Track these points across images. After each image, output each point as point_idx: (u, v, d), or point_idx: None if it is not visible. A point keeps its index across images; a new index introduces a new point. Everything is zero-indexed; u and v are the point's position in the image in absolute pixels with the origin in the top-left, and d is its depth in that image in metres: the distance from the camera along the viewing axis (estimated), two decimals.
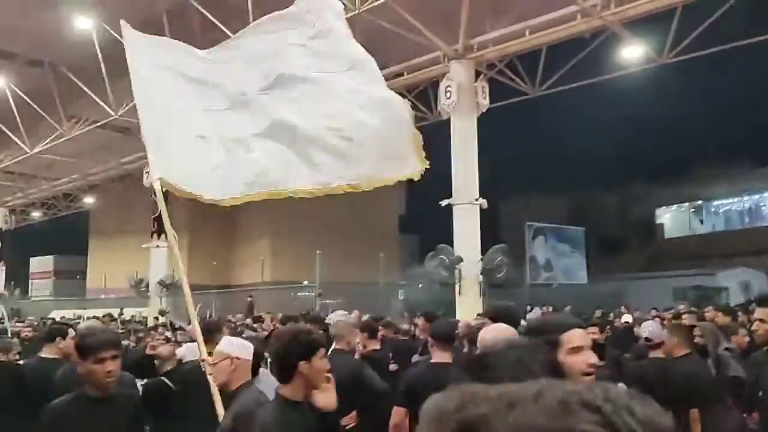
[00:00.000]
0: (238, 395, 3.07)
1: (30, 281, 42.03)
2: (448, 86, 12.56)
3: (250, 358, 3.17)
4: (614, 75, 14.29)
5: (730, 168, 33.90)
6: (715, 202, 36.77)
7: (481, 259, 12.15)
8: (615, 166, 42.92)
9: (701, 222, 37.26)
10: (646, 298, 25.94)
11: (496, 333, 2.34)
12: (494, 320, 3.74)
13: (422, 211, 35.78)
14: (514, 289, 18.94)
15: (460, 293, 12.23)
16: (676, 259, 33.97)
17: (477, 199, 12.31)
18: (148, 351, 6.30)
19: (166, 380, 5.75)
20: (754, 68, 29.69)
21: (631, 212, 38.91)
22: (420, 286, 20.42)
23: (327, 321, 7.51)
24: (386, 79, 14.60)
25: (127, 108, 16.45)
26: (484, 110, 12.77)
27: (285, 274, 25.11)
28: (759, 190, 34.76)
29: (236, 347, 3.20)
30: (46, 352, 4.62)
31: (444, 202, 12.58)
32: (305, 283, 22.66)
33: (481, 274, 12.18)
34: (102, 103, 16.59)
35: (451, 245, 12.36)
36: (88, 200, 27.69)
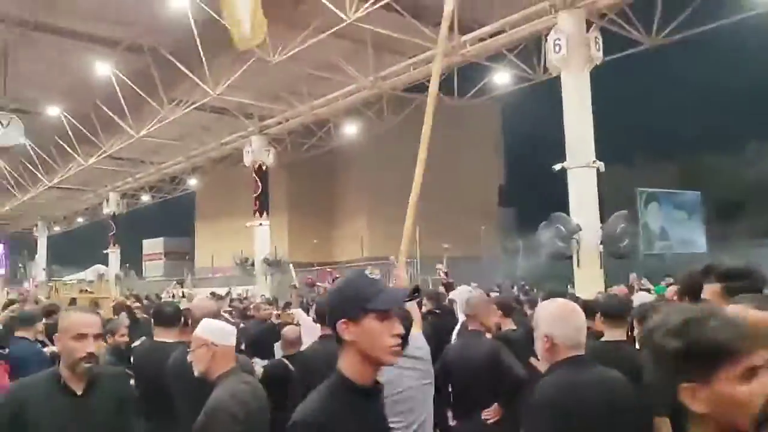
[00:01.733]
0: (217, 386, 2.75)
1: (143, 263, 44.02)
2: (557, 39, 11.55)
3: (231, 343, 2.89)
4: (737, 17, 12.82)
5: None
6: None
7: (602, 228, 11.17)
8: (730, 124, 39.84)
9: None
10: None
11: None
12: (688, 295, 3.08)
13: (523, 180, 34.70)
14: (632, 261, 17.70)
15: (578, 265, 11.32)
16: None
17: (594, 162, 11.31)
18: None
19: (288, 363, 5.37)
20: None
21: (748, 174, 35.88)
22: (521, 259, 19.45)
23: (451, 298, 6.97)
24: (483, 40, 13.80)
25: (225, 85, 16.43)
26: (598, 62, 11.69)
27: (382, 250, 24.74)
28: None
29: (214, 332, 2.85)
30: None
31: (557, 166, 11.65)
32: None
33: (602, 243, 11.22)
34: (200, 83, 16.61)
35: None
36: (192, 182, 28.46)
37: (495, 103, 30.15)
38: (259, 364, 5.39)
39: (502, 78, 16.01)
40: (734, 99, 39.49)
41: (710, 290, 2.68)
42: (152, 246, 44.73)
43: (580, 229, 11.10)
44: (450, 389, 4.19)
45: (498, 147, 32.55)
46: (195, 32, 14.81)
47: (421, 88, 17.62)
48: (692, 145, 38.08)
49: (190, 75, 16.55)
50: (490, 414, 3.95)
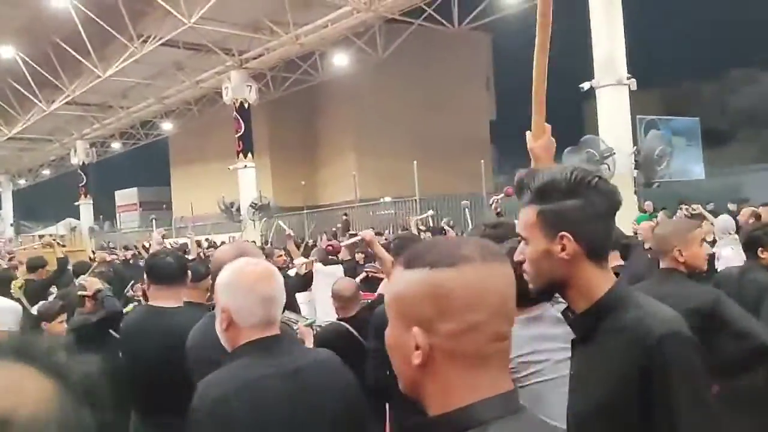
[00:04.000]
0: None
1: (117, 214, 42.39)
2: None
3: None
4: None
5: None
6: None
7: (637, 151, 10.16)
8: (714, 51, 38.95)
9: None
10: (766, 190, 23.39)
11: None
12: None
13: (519, 113, 33.42)
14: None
15: None
16: None
17: (629, 78, 10.21)
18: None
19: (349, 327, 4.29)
20: None
21: (738, 100, 35.24)
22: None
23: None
24: None
25: (201, 14, 14.84)
26: None
27: (375, 191, 23.58)
28: None
29: None
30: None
31: (585, 85, 10.53)
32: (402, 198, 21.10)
33: (636, 168, 10.23)
34: (174, 12, 14.97)
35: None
36: (166, 126, 26.74)
37: (486, 35, 28.68)
38: (301, 322, 4.23)
39: None
40: (718, 22, 38.44)
41: None
42: (126, 196, 42.93)
43: (614, 153, 10.07)
44: None
45: (489, 80, 31.22)
46: None
47: (416, 13, 16.22)
48: (676, 72, 37.19)
49: (163, 3, 14.89)
50: None
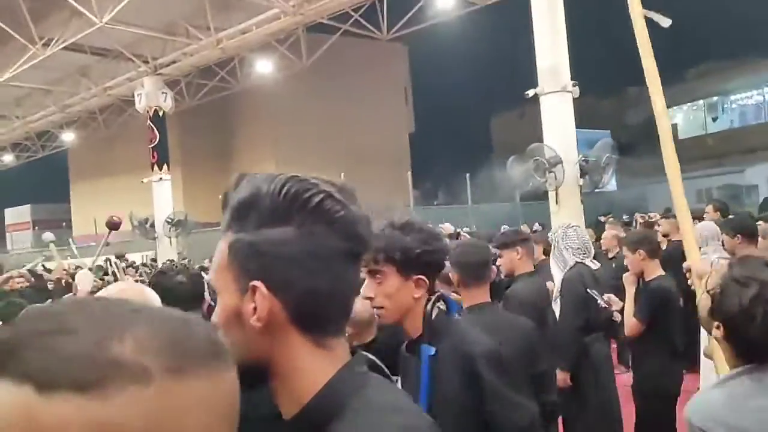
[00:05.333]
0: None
1: (7, 234, 39.33)
2: None
3: None
4: None
5: (744, 61, 31.98)
6: (732, 98, 34.94)
7: (585, 160, 10.08)
8: (613, 69, 40.90)
9: (713, 120, 35.53)
10: (668, 200, 24.64)
11: None
12: None
13: (435, 124, 33.85)
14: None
15: (557, 202, 10.20)
16: (694, 160, 32.40)
17: (574, 85, 10.14)
18: None
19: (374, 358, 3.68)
20: None
21: (642, 114, 37.11)
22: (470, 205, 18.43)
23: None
24: None
25: (114, 13, 13.71)
26: None
27: None
28: None
29: None
30: None
31: (530, 92, 10.38)
32: None
33: (582, 177, 10.16)
34: (85, 11, 13.76)
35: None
36: (67, 137, 24.77)
37: (402, 47, 28.63)
38: None
39: (444, 2, 14.28)
40: (614, 40, 40.55)
41: None
42: (17, 214, 39.71)
43: (561, 161, 9.95)
44: None
45: (407, 91, 31.22)
46: None
47: (341, 20, 15.77)
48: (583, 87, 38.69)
49: (72, 2, 13.64)
50: None
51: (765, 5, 28.52)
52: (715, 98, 35.16)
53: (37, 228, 37.69)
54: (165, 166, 17.65)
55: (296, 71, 18.98)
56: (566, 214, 9.96)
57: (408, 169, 23.37)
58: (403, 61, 30.57)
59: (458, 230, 9.87)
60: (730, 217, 6.25)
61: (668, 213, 10.55)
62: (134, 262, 14.38)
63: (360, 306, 3.69)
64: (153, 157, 17.66)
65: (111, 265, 10.57)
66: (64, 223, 33.76)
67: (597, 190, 10.70)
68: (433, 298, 1.95)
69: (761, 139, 30.64)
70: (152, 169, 17.78)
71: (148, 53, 17.39)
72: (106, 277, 9.86)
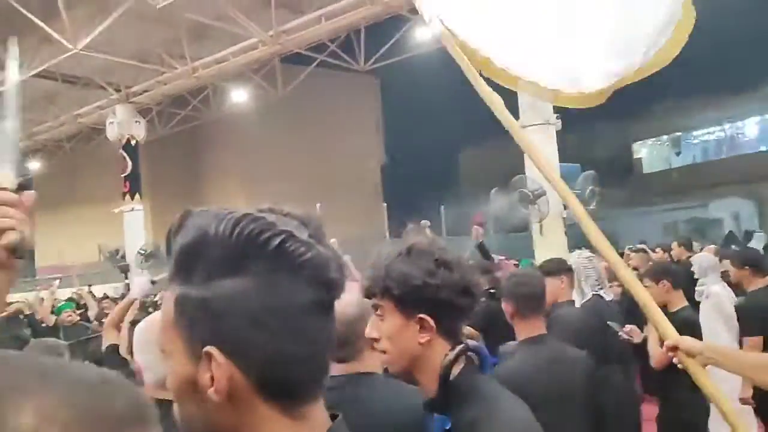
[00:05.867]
0: None
1: None
2: None
3: None
4: None
5: (706, 98, 32.99)
6: (694, 133, 35.97)
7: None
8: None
9: (677, 154, 36.48)
10: (636, 233, 25.06)
11: None
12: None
13: (406, 156, 33.91)
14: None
15: (541, 233, 10.21)
16: (659, 194, 33.11)
17: (558, 117, 10.24)
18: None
19: None
20: None
21: (608, 148, 37.91)
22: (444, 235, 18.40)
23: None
24: None
25: (90, 39, 13.46)
26: None
27: None
28: (738, 118, 34.04)
29: None
30: None
31: None
32: None
33: (566, 208, 10.17)
34: (58, 36, 13.49)
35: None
36: (32, 165, 24.08)
37: (375, 79, 28.77)
38: None
39: (426, 33, 14.33)
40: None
41: None
42: None
43: (545, 193, 9.97)
44: None
45: (378, 123, 31.37)
46: None
47: (319, 49, 15.77)
48: None
49: (44, 27, 13.36)
50: None
51: (728, 45, 29.67)
52: (678, 133, 36.12)
53: None
54: (137, 196, 17.27)
55: (271, 101, 18.87)
56: (550, 246, 9.97)
57: (381, 200, 23.34)
58: (375, 93, 30.75)
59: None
60: (734, 248, 6.28)
61: (636, 247, 10.72)
62: (106, 295, 13.92)
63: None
64: (125, 186, 17.27)
65: (83, 297, 10.23)
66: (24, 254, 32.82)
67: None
68: (456, 349, 1.48)
69: (724, 174, 31.51)
70: (123, 199, 17.37)
71: (120, 81, 17.11)
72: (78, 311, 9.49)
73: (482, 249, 6.07)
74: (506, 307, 2.65)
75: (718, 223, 28.33)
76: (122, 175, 17.16)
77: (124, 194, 17.23)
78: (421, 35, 14.26)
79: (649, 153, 37.76)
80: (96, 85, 17.20)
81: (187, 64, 15.37)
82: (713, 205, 29.62)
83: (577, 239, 11.68)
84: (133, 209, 17.14)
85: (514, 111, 10.40)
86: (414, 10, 13.44)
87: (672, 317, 3.96)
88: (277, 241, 0.73)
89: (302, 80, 17.97)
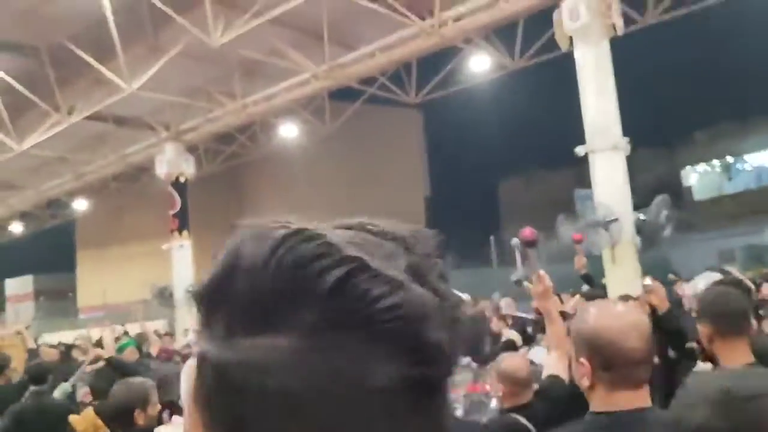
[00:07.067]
0: None
1: (8, 305, 38.55)
2: (574, 7, 10.06)
3: None
4: None
5: (758, 122, 32.26)
6: (746, 156, 35.08)
7: (642, 218, 9.71)
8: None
9: (729, 179, 35.55)
10: (692, 262, 24.21)
11: None
12: None
13: (451, 189, 33.72)
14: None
15: (613, 261, 9.77)
16: (711, 220, 32.16)
17: (628, 141, 9.88)
18: None
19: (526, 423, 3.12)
20: None
21: (652, 174, 37.17)
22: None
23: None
24: (459, 20, 12.00)
25: (144, 80, 13.55)
26: (620, 33, 10.30)
27: None
28: None
29: None
30: None
31: (580, 150, 10.10)
32: None
33: (638, 234, 9.76)
34: (113, 76, 13.61)
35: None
36: (79, 205, 24.21)
37: (416, 112, 28.74)
38: None
39: (479, 64, 14.11)
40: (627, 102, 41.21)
41: None
42: (18, 285, 38.93)
43: (617, 219, 9.58)
44: None
45: (421, 156, 31.29)
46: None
47: (369, 82, 15.69)
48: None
49: (101, 68, 13.51)
50: None
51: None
52: (729, 158, 35.31)
53: (40, 298, 36.97)
54: (186, 233, 17.25)
55: (318, 136, 18.82)
56: (623, 274, 9.54)
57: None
58: (419, 126, 30.72)
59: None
60: None
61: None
62: (157, 331, 13.80)
63: (518, 362, 3.21)
64: (173, 223, 17.27)
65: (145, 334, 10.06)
66: (69, 293, 33.09)
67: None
68: None
69: None
70: (172, 234, 17.36)
71: (169, 119, 17.23)
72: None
73: (588, 279, 5.68)
74: (702, 329, 2.27)
75: None
76: (171, 213, 17.14)
77: (173, 231, 17.21)
78: (475, 65, 14.08)
79: (700, 179, 36.90)
80: (145, 124, 17.34)
81: (236, 100, 15.40)
82: None
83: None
84: (182, 246, 17.08)
85: (581, 137, 10.10)
86: (468, 39, 13.36)
87: None
88: (335, 275, 0.44)
89: (348, 115, 17.96)
